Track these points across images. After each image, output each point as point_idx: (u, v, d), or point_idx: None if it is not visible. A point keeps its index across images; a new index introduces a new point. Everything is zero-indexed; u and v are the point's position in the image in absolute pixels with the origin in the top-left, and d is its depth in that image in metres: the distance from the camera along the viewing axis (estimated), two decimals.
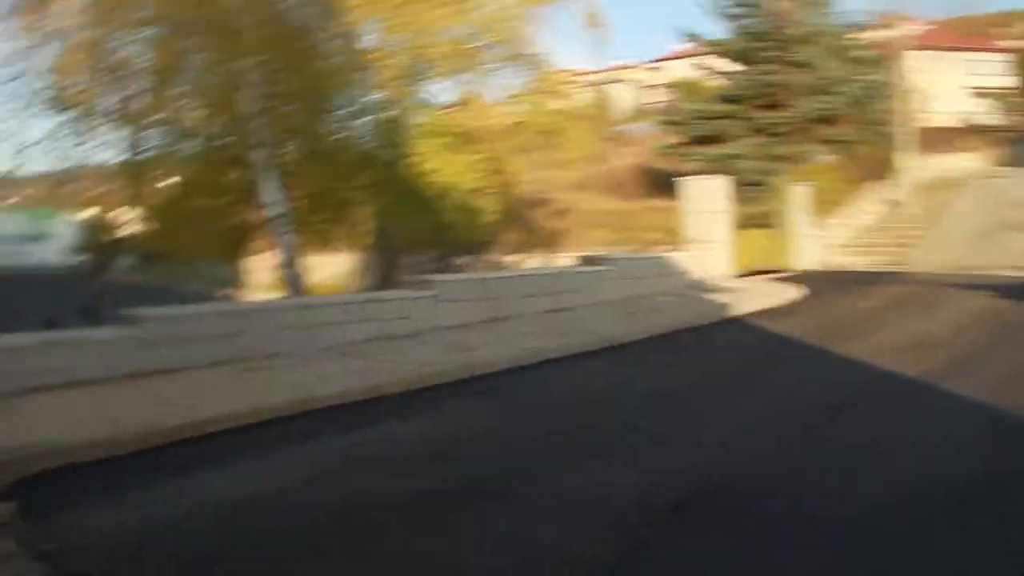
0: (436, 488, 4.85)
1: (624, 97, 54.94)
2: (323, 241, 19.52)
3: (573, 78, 30.53)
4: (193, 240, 18.23)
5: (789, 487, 4.78)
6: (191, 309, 8.60)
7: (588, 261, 13.94)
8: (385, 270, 20.38)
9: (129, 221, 27.13)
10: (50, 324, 9.64)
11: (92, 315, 16.26)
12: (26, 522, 4.37)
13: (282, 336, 9.16)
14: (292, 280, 13.24)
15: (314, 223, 18.63)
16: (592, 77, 49.10)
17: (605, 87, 51.72)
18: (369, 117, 18.27)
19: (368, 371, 8.11)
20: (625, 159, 37.27)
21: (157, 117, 14.80)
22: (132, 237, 30.90)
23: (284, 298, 10.57)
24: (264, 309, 9.28)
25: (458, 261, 34.24)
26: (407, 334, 10.22)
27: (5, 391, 6.84)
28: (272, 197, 12.92)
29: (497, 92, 19.92)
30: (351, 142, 17.89)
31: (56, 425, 6.06)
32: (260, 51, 13.45)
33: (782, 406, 6.88)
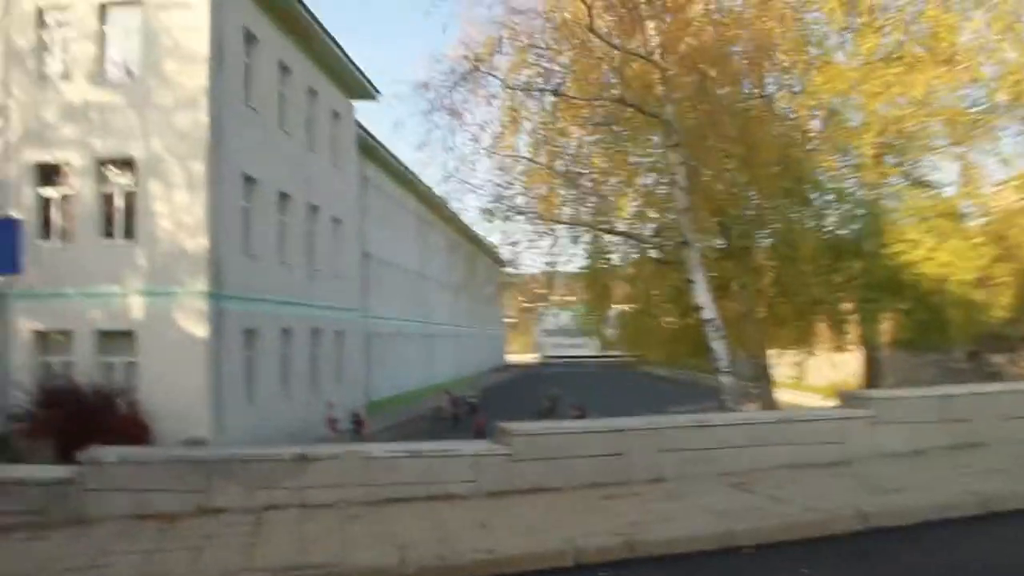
0: None
1: None
2: (793, 341, 17.81)
3: None
4: (655, 341, 18.14)
5: None
6: (561, 426, 8.13)
7: None
8: (872, 373, 17.79)
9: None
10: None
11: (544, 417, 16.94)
12: None
13: (670, 458, 8.14)
14: (728, 390, 12.03)
15: (781, 321, 17.09)
16: None
17: None
18: (843, 204, 16.31)
19: (738, 510, 6.67)
20: None
21: (601, 221, 15.09)
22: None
23: (688, 415, 9.52)
24: (652, 428, 8.36)
25: (992, 361, 28.78)
26: (827, 462, 8.36)
27: (361, 500, 7.00)
28: (702, 299, 12.02)
29: (1008, 162, 16.21)
30: (820, 232, 16.09)
31: (358, 545, 5.94)
32: (690, 141, 12.88)
33: None
